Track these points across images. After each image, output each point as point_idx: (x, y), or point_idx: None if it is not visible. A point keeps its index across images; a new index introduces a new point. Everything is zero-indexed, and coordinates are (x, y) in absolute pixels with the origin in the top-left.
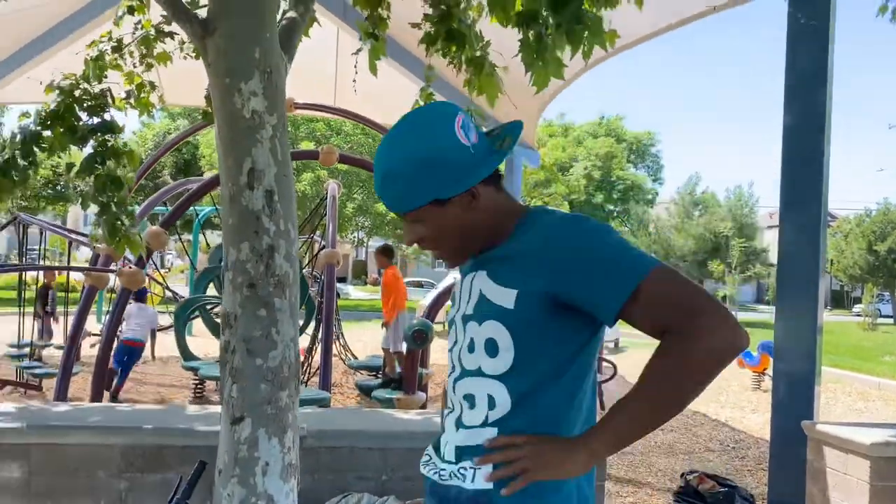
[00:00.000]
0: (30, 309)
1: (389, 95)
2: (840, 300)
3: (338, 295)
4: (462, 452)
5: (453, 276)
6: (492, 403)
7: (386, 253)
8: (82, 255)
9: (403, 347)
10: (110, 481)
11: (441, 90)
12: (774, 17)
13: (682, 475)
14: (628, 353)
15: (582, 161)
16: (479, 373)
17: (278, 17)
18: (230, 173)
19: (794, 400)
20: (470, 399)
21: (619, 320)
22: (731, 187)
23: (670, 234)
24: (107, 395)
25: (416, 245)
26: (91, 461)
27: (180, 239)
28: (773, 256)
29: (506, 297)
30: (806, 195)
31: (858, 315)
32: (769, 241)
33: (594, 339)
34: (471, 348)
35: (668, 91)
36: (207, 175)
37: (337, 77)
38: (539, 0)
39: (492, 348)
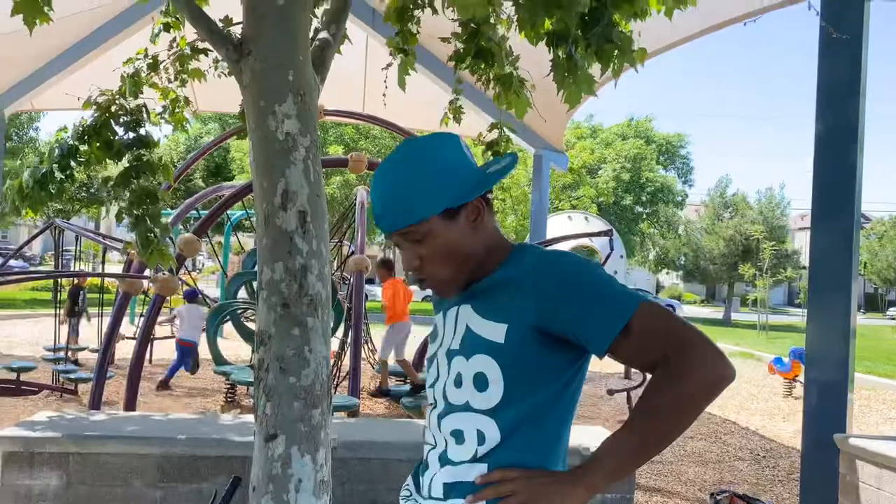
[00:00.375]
0: (55, 305)
1: (419, 100)
2: (874, 303)
3: (365, 297)
4: (450, 489)
5: None
6: (481, 438)
7: (386, 266)
8: (115, 257)
9: (392, 357)
10: (146, 491)
11: (472, 98)
12: (805, 21)
13: (712, 495)
14: None
15: (611, 163)
16: (466, 408)
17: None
18: (264, 194)
19: (826, 410)
20: (457, 434)
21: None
22: (763, 189)
23: (700, 236)
24: (145, 396)
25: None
26: (127, 470)
27: (210, 241)
28: (805, 259)
29: (495, 332)
30: (838, 204)
31: (892, 318)
32: (801, 243)
33: (581, 371)
34: (458, 383)
35: (698, 92)
36: (238, 179)
37: (366, 81)
38: (569, 19)
39: (481, 382)
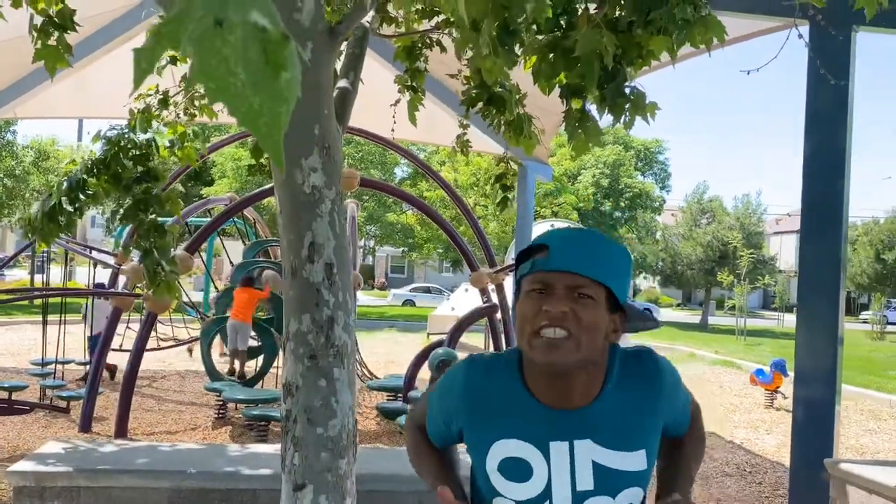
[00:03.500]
0: (44, 318)
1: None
2: (847, 307)
3: None
4: None
5: (465, 286)
6: None
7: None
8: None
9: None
10: None
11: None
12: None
13: None
14: None
15: (590, 169)
16: None
17: None
18: (292, 247)
19: (814, 430)
20: None
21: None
22: (740, 196)
23: (677, 241)
24: (134, 410)
25: (558, 320)
26: None
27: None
28: (781, 265)
29: (635, 461)
30: (826, 223)
31: (866, 322)
32: (776, 248)
33: None
34: None
35: (677, 99)
36: (218, 184)
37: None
38: (590, 75)
39: None
